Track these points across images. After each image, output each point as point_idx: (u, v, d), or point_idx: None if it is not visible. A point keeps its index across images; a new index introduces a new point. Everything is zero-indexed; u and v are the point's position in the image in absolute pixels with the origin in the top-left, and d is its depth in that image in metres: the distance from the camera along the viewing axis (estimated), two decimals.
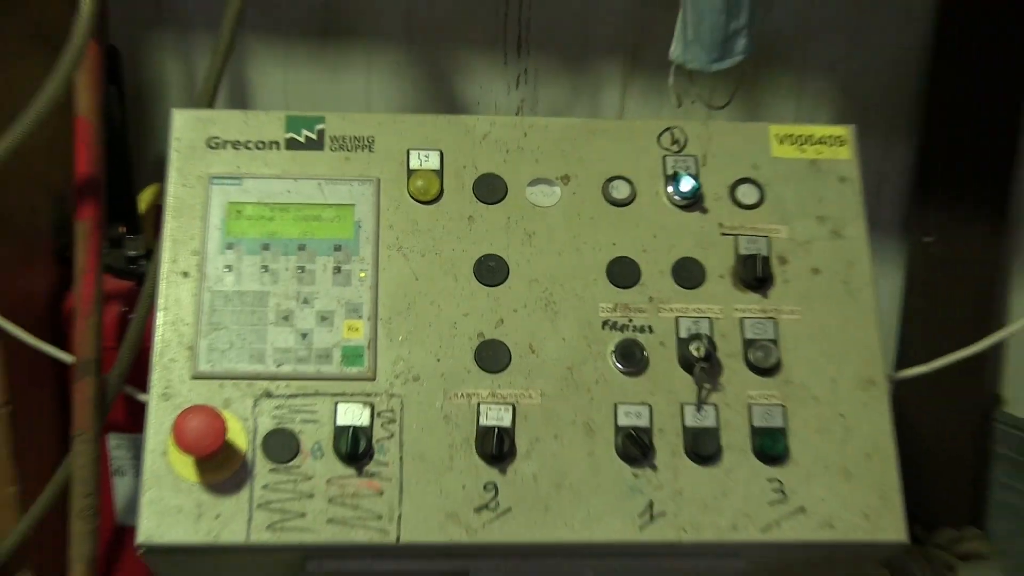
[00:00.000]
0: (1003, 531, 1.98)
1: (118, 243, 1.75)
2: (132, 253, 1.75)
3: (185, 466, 1.20)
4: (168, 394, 1.23)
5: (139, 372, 1.59)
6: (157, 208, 1.77)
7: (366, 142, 1.35)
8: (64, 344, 1.69)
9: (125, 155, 1.74)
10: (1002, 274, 1.91)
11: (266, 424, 1.22)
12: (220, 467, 1.20)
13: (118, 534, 1.81)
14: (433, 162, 1.34)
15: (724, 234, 1.35)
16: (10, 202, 1.70)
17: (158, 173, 1.67)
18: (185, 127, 1.34)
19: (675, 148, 1.38)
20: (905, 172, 1.92)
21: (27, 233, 1.75)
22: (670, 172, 1.36)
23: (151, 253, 1.71)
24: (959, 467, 1.98)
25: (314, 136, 1.35)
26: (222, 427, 1.17)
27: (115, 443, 1.79)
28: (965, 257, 1.88)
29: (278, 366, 1.24)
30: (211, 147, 1.34)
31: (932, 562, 1.91)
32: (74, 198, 1.61)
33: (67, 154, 1.60)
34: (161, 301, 1.27)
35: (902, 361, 1.87)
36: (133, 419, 1.74)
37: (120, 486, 1.82)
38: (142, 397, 1.55)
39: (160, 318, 1.26)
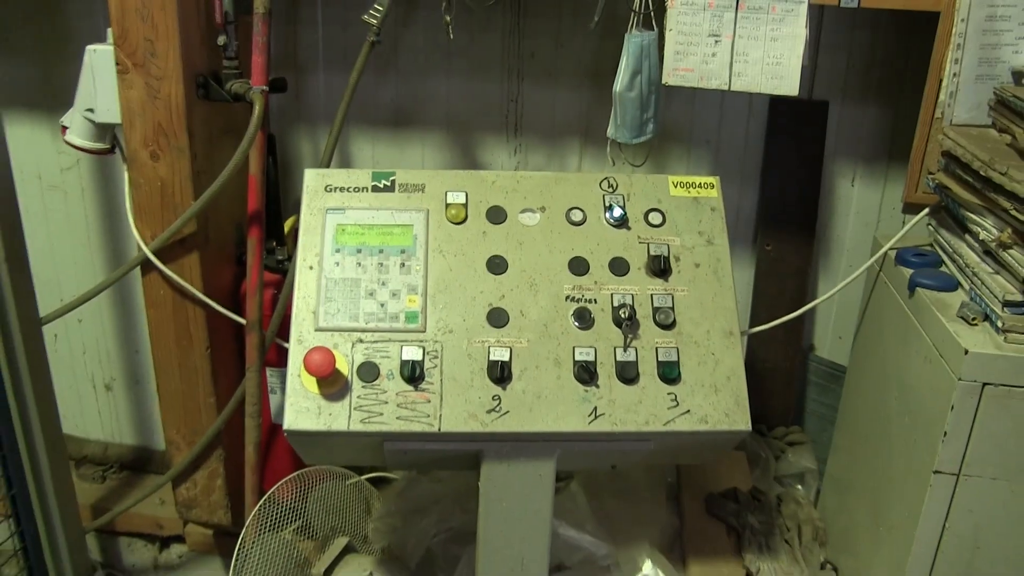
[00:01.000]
0: (813, 428, 1.93)
1: (272, 251, 1.68)
2: (280, 257, 1.68)
3: (311, 384, 1.17)
4: (301, 340, 1.20)
5: (283, 329, 1.58)
6: (294, 230, 1.74)
7: (420, 187, 1.31)
8: (240, 312, 1.68)
9: (277, 198, 1.69)
10: (812, 268, 1.87)
11: (359, 359, 1.19)
12: (332, 384, 1.17)
13: (272, 429, 1.78)
14: (461, 199, 1.30)
15: (641, 242, 1.30)
16: (213, 227, 1.65)
17: (295, 208, 1.65)
18: (312, 179, 1.31)
19: (610, 189, 1.33)
20: (754, 206, 1.85)
21: (222, 246, 1.71)
22: (607, 204, 1.31)
23: (291, 257, 1.69)
24: (788, 388, 1.92)
25: (389, 184, 1.31)
26: (332, 360, 1.15)
27: (270, 373, 1.75)
28: (789, 258, 1.83)
29: (366, 324, 1.21)
30: (327, 191, 1.29)
31: (771, 447, 1.88)
32: (247, 225, 1.58)
33: (243, 197, 1.56)
34: (297, 285, 1.24)
35: (753, 322, 1.83)
36: (280, 358, 1.71)
37: (273, 400, 1.80)
38: (286, 344, 1.54)
39: (297, 295, 1.23)
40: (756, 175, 1.83)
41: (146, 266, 1.62)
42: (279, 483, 1.69)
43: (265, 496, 1.66)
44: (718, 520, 1.65)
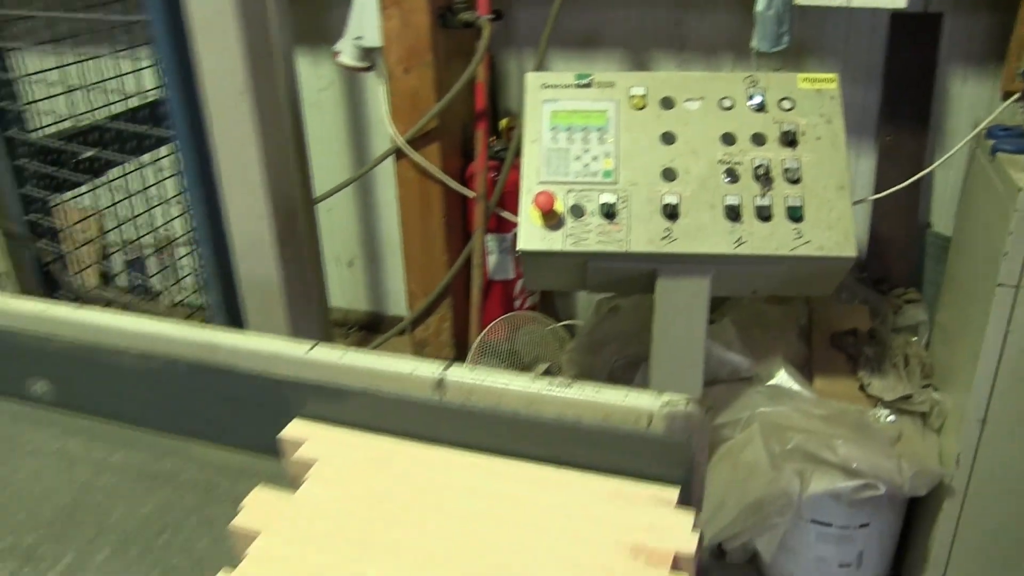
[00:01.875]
0: (930, 294, 2.25)
1: (490, 144, 2.17)
2: (496, 148, 2.16)
3: (538, 218, 1.63)
4: (529, 190, 1.65)
5: (499, 203, 2.06)
6: (509, 128, 2.23)
7: (611, 84, 1.73)
8: (469, 187, 2.18)
9: (495, 103, 2.17)
10: (927, 154, 2.20)
11: (570, 202, 1.64)
12: (551, 218, 1.63)
13: (490, 283, 2.27)
14: (641, 91, 1.72)
15: (775, 122, 1.68)
16: (448, 125, 2.11)
17: (506, 113, 2.13)
18: (533, 79, 1.74)
19: (752, 85, 1.73)
20: (876, 104, 2.19)
21: (454, 139, 2.18)
22: (750, 95, 1.71)
23: (506, 148, 2.19)
24: (906, 257, 2.24)
25: (587, 82, 1.74)
26: (552, 200, 1.63)
27: (488, 238, 2.22)
28: (906, 146, 2.16)
29: (575, 178, 1.67)
30: (543, 88, 1.74)
31: (890, 303, 2.25)
32: (474, 122, 2.09)
33: (470, 103, 2.06)
34: (524, 155, 1.69)
35: (876, 209, 2.19)
36: (498, 226, 2.21)
37: (490, 260, 2.26)
38: (503, 214, 2.05)
39: (524, 161, 1.68)
40: (878, 79, 2.19)
41: (399, 154, 2.17)
42: (495, 321, 2.22)
43: (484, 331, 2.20)
44: (840, 351, 2.08)
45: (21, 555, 0.82)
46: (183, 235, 1.52)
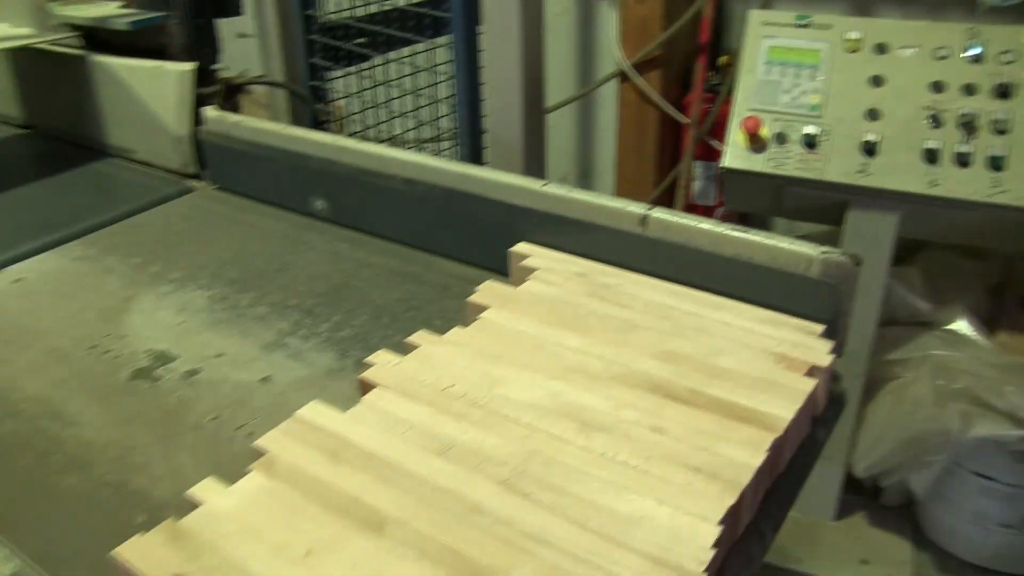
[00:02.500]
0: None
1: (707, 78, 2.34)
2: (714, 82, 2.32)
3: (744, 140, 1.78)
4: (739, 114, 1.82)
5: (710, 133, 2.21)
6: (727, 65, 2.37)
7: (828, 26, 1.83)
8: (685, 115, 2.35)
9: (717, 38, 2.33)
10: None
11: (775, 129, 1.79)
12: (756, 142, 1.78)
13: (692, 207, 2.43)
14: (856, 35, 1.81)
15: (990, 75, 1.72)
16: (671, 54, 2.28)
17: (725, 51, 2.27)
18: (755, 16, 1.88)
19: (972, 37, 1.79)
20: None
21: (675, 69, 2.35)
22: (967, 46, 1.76)
23: (722, 83, 2.33)
24: None
25: (806, 23, 1.85)
26: (759, 124, 1.78)
27: (695, 164, 2.37)
28: None
29: (783, 108, 1.80)
30: (763, 24, 1.87)
31: None
32: (695, 54, 2.25)
33: (692, 36, 2.22)
34: (739, 84, 1.84)
35: None
36: (706, 154, 2.37)
37: (695, 185, 2.44)
38: (711, 142, 2.21)
39: (737, 89, 1.83)
40: None
41: (623, 78, 2.37)
42: None
43: None
44: None
45: (304, 311, 1.10)
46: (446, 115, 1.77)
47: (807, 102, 1.82)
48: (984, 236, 1.87)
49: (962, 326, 2.02)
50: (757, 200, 1.97)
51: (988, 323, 2.12)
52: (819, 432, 0.86)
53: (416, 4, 1.82)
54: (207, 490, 0.72)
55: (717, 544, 0.64)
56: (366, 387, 0.85)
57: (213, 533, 0.67)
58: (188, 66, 1.44)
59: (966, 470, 2.00)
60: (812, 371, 0.83)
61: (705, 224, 0.95)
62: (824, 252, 0.89)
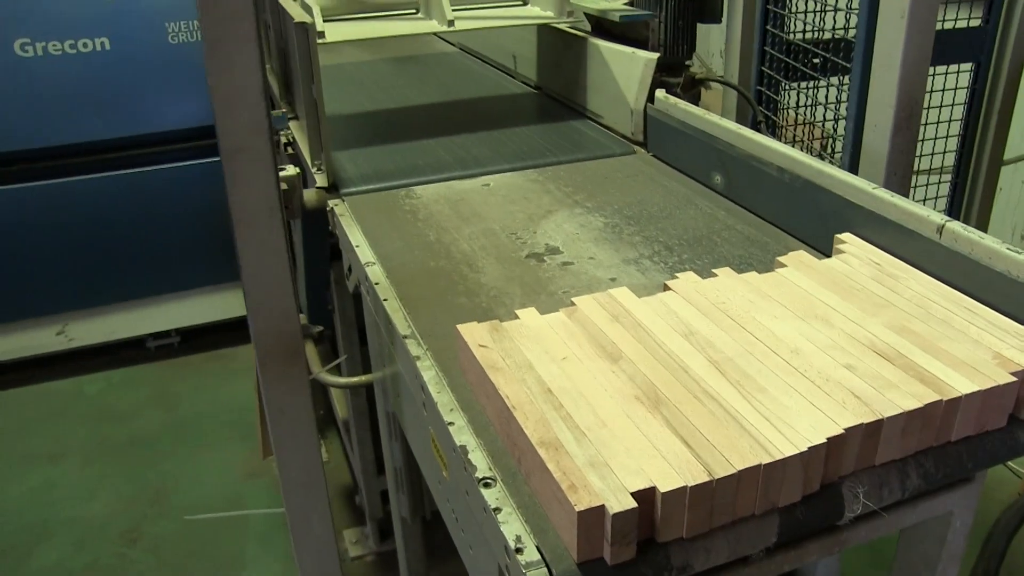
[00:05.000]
0: None
1: None
2: None
3: None
4: None
5: None
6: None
7: None
8: None
9: None
10: None
11: None
12: None
13: None
14: None
15: None
16: None
17: None
18: None
19: None
20: None
21: None
22: None
23: None
24: None
25: None
26: None
27: None
28: None
29: None
30: None
31: None
32: None
33: None
34: None
35: None
36: None
37: None
38: None
39: None
40: None
41: None
42: None
43: None
44: None
45: (666, 246, 1.42)
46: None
47: None
48: None
49: None
50: None
51: None
52: (1021, 434, 0.98)
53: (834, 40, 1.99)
54: (527, 313, 1.08)
55: (834, 441, 0.85)
56: (666, 290, 1.15)
57: (515, 333, 1.03)
58: (652, 55, 1.81)
59: None
60: (1021, 373, 0.96)
61: (988, 240, 1.09)
62: None
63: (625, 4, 2.02)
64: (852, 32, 1.74)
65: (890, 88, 1.51)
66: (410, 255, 1.41)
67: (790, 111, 2.08)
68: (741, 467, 0.80)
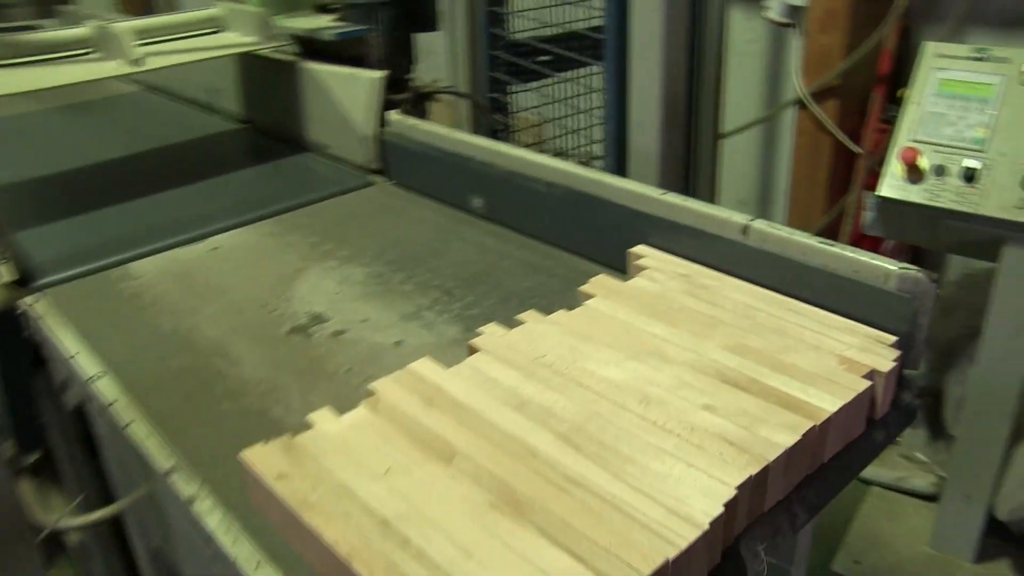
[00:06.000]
0: None
1: (885, 109, 2.33)
2: (891, 114, 2.31)
3: (901, 170, 1.80)
4: (898, 145, 1.85)
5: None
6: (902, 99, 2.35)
7: (1006, 60, 1.80)
8: (859, 145, 2.34)
9: (899, 69, 2.32)
10: None
11: (935, 161, 1.78)
12: (914, 173, 1.78)
13: (861, 238, 2.41)
14: None
15: None
16: (849, 85, 2.30)
17: (906, 82, 2.25)
18: (931, 48, 1.87)
19: None
20: None
21: (853, 99, 2.36)
22: None
23: (896, 116, 2.30)
24: None
25: (983, 56, 1.83)
26: (916, 156, 1.79)
27: (866, 195, 2.36)
28: None
29: (944, 141, 1.80)
30: (937, 56, 1.86)
31: None
32: (874, 84, 2.25)
33: (872, 69, 2.23)
34: (904, 113, 1.86)
35: None
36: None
37: (864, 215, 2.43)
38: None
39: (902, 118, 1.85)
40: None
41: (801, 105, 2.40)
42: None
43: None
44: None
45: (444, 290, 1.25)
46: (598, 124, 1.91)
47: (971, 136, 1.81)
48: None
49: None
50: (913, 231, 1.96)
51: None
52: (877, 434, 0.91)
53: (593, 29, 1.94)
54: (321, 417, 0.87)
55: (730, 505, 0.72)
56: (472, 351, 0.98)
57: (316, 448, 0.82)
58: (378, 74, 1.63)
59: None
60: (871, 375, 0.89)
61: (797, 236, 1.02)
62: (902, 267, 0.94)
63: (332, 20, 1.83)
64: (579, 25, 1.65)
65: (654, 83, 1.43)
66: (145, 355, 1.15)
67: (527, 115, 1.98)
68: (648, 571, 0.66)
